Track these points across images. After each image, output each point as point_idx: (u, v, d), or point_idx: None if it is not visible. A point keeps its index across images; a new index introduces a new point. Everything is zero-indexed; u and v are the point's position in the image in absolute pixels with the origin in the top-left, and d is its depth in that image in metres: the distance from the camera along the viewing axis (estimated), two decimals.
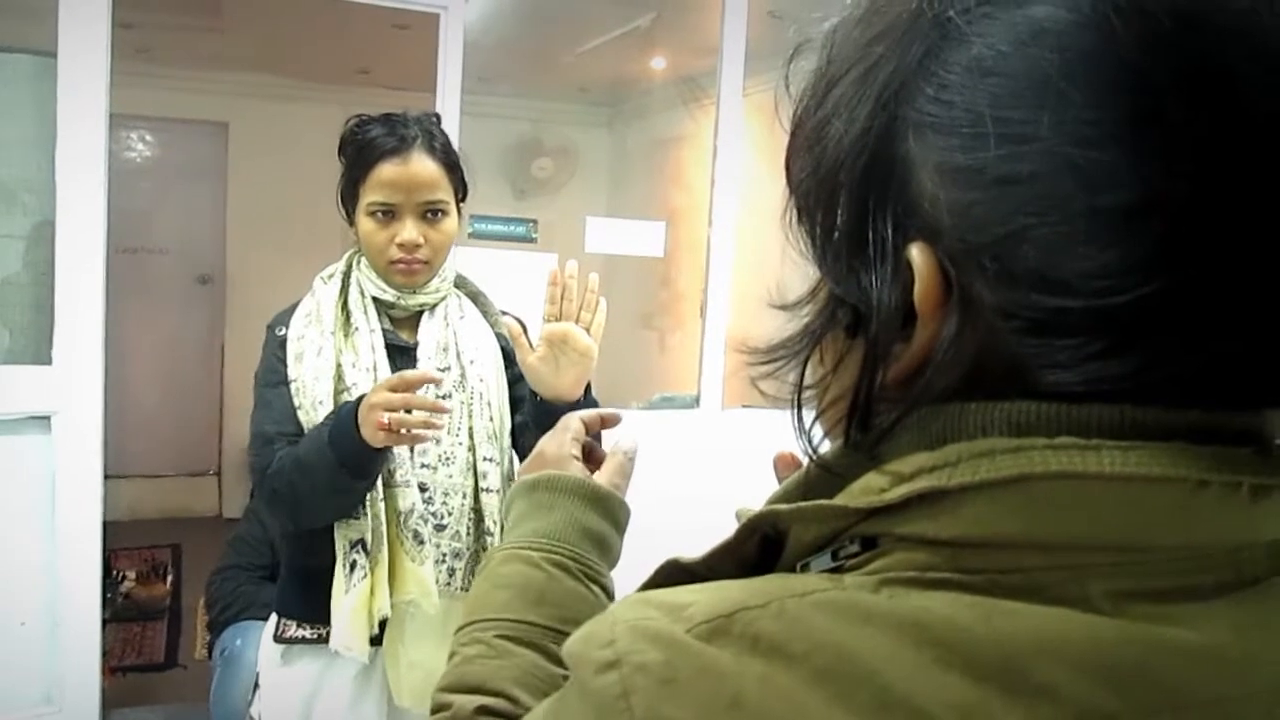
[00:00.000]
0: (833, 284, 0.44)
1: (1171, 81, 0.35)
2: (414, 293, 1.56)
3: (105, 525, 2.70)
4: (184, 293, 5.28)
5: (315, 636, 1.53)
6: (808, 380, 0.46)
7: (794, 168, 0.46)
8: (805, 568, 0.43)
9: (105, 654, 2.80)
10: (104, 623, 2.76)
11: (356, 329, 1.54)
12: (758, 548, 0.46)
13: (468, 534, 1.54)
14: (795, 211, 0.46)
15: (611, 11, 4.10)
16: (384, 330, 1.56)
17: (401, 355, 1.56)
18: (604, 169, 5.41)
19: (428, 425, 1.36)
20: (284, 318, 1.56)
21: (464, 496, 1.53)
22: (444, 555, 1.52)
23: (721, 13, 3.36)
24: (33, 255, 2.71)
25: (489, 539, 1.55)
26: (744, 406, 3.32)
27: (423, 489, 1.51)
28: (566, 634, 0.45)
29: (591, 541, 0.72)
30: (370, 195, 1.50)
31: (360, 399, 1.38)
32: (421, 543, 1.49)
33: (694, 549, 0.49)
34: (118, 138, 4.77)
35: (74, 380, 2.61)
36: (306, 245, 4.68)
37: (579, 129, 5.31)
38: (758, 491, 0.51)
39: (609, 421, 0.91)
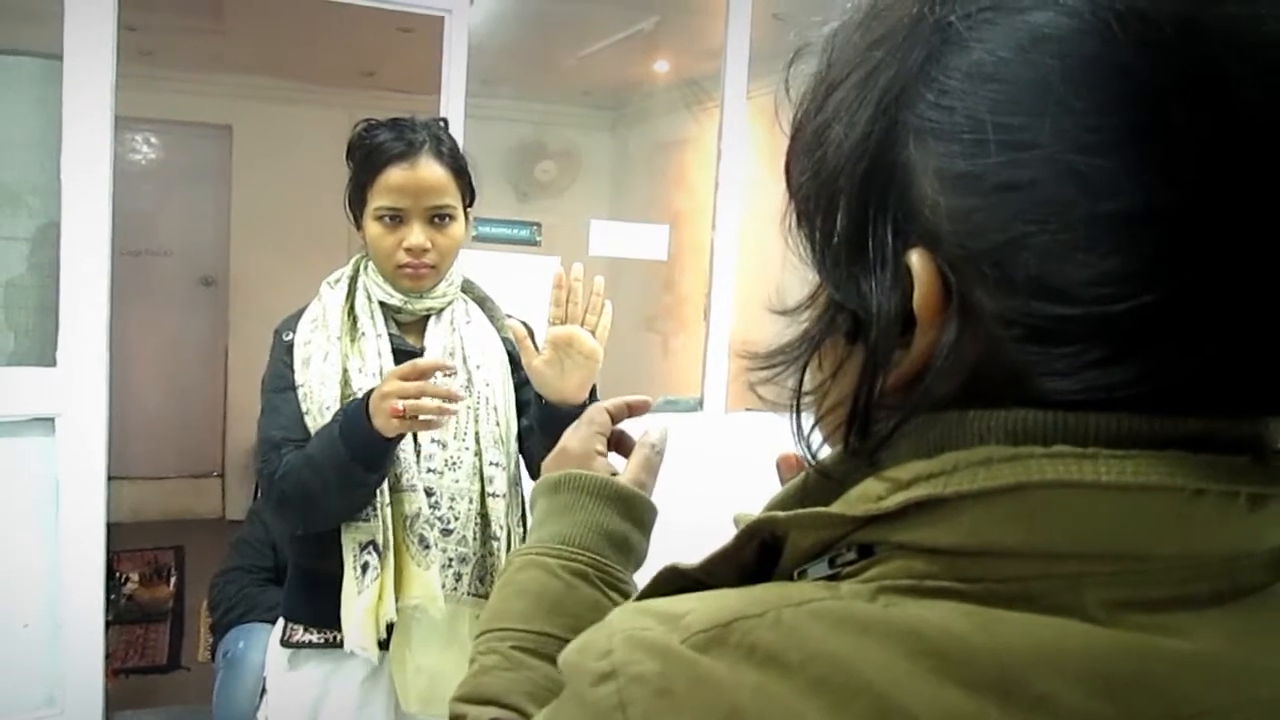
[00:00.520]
0: (832, 289, 0.44)
1: (1172, 88, 0.35)
2: (421, 297, 1.56)
3: (108, 527, 2.70)
4: (187, 295, 5.29)
5: (322, 641, 1.53)
6: (807, 386, 0.46)
7: (794, 172, 0.46)
8: (803, 574, 0.43)
9: (108, 656, 2.80)
10: (107, 624, 2.76)
11: (363, 334, 1.54)
12: (756, 554, 0.46)
13: (474, 539, 1.54)
14: (795, 216, 0.46)
15: (615, 15, 4.10)
16: (390, 335, 1.56)
17: (408, 360, 1.55)
18: (607, 172, 5.41)
19: (442, 411, 1.36)
20: (291, 323, 1.56)
21: (470, 501, 1.53)
22: (450, 560, 1.52)
23: (725, 16, 3.36)
24: (37, 257, 2.71)
25: (495, 544, 1.54)
26: (748, 410, 3.32)
27: (429, 494, 1.51)
28: None
29: (613, 545, 0.70)
30: (378, 200, 1.50)
31: (369, 393, 1.38)
32: (427, 547, 1.48)
33: (697, 552, 0.48)
34: (122, 140, 4.78)
35: (78, 382, 2.61)
36: (310, 247, 4.69)
37: (582, 132, 5.31)
38: (761, 494, 0.51)
39: (636, 409, 0.86)
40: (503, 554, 1.54)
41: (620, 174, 5.44)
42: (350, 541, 1.48)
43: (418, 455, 1.51)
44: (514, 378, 1.61)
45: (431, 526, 1.50)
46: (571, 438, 0.79)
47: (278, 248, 4.90)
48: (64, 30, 2.53)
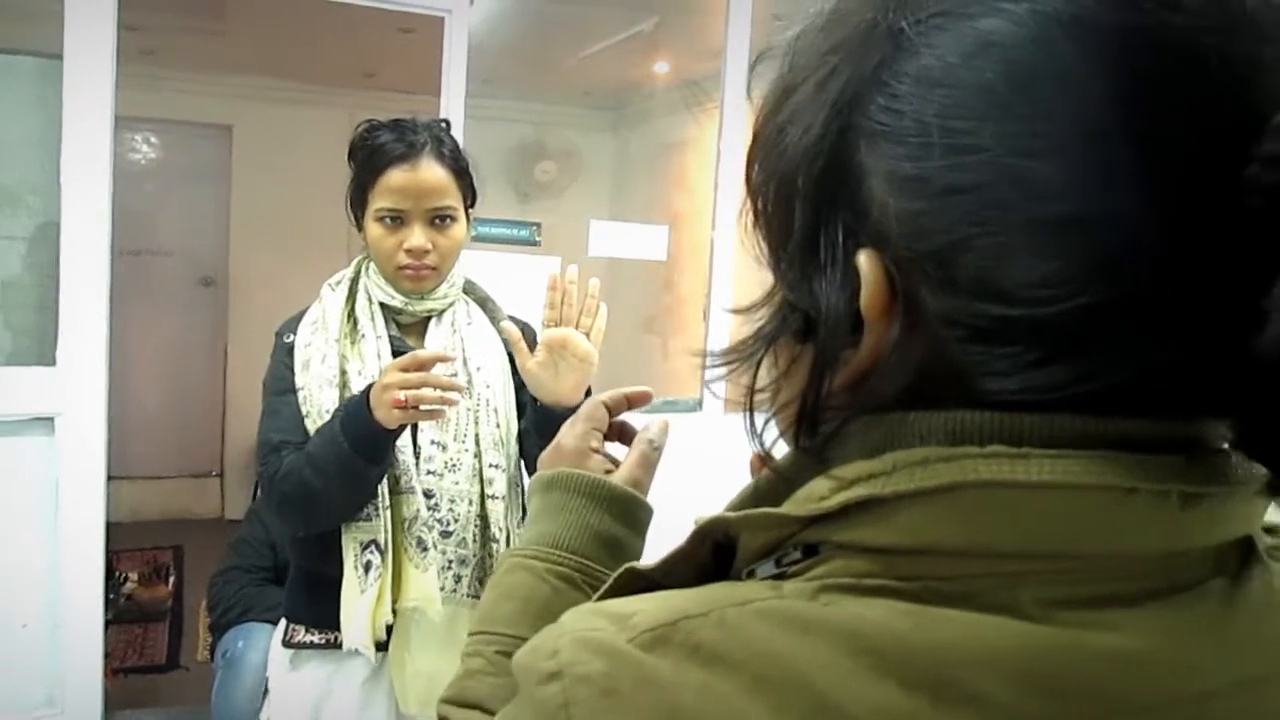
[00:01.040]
0: (785, 289, 0.45)
1: (1111, 97, 0.36)
2: (422, 299, 1.56)
3: (107, 526, 2.70)
4: (187, 295, 5.29)
5: (324, 642, 1.53)
6: (760, 384, 0.47)
7: (752, 172, 0.47)
8: (752, 574, 0.43)
9: (107, 655, 2.80)
10: (106, 624, 2.76)
11: (363, 336, 1.53)
12: (711, 554, 0.46)
13: (474, 541, 1.53)
14: (752, 216, 0.47)
15: (615, 15, 4.10)
16: (391, 337, 1.56)
17: None
18: (607, 173, 5.41)
19: (443, 401, 1.36)
20: (292, 325, 1.56)
21: (470, 503, 1.53)
22: (450, 562, 1.52)
23: (726, 17, 3.37)
24: (37, 257, 2.71)
25: (495, 545, 1.54)
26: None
27: (429, 495, 1.50)
28: None
29: (604, 547, 0.69)
30: (379, 201, 1.50)
31: (368, 387, 1.38)
32: (425, 550, 1.48)
33: None
34: (122, 140, 4.78)
35: (77, 382, 2.61)
36: (309, 248, 4.69)
37: (582, 132, 5.31)
38: None
39: (636, 400, 0.83)
40: None
41: (620, 175, 5.44)
42: (352, 541, 1.48)
43: (417, 457, 1.51)
44: (515, 379, 1.61)
45: (430, 529, 1.49)
46: (566, 434, 0.78)
47: (277, 248, 4.90)
48: (64, 30, 2.53)
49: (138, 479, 4.93)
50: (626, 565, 0.49)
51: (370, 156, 1.50)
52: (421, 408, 1.34)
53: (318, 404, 1.47)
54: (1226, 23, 0.36)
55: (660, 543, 0.77)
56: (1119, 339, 0.37)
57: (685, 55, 4.49)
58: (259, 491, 1.56)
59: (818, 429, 0.43)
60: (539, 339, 1.43)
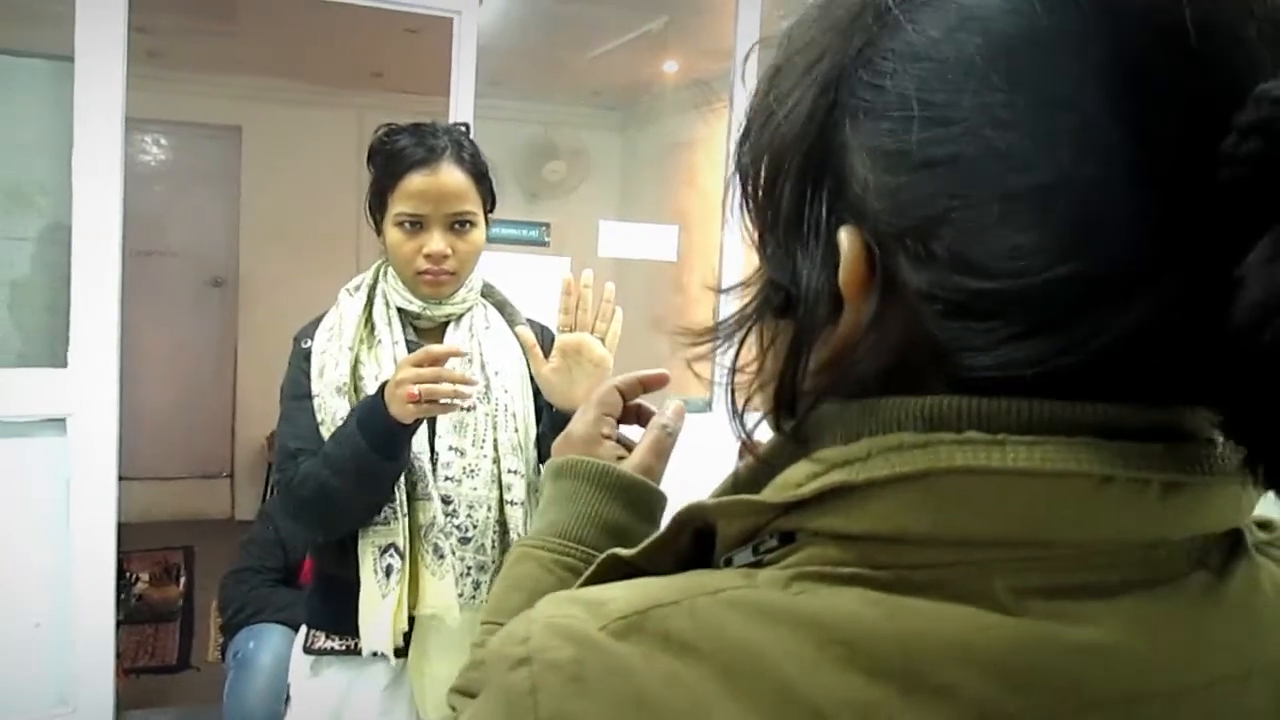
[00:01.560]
0: (769, 267, 0.45)
1: (1089, 67, 0.36)
2: (440, 303, 1.55)
3: (119, 527, 2.70)
4: (197, 295, 5.31)
5: (344, 648, 1.53)
6: (742, 364, 0.47)
7: (740, 152, 0.47)
8: (730, 562, 0.43)
9: (118, 656, 2.81)
10: (117, 624, 2.77)
11: (380, 341, 1.53)
12: (692, 541, 0.46)
13: (492, 547, 1.53)
14: (740, 196, 0.47)
15: (624, 15, 4.10)
16: (408, 341, 1.55)
17: None
18: (616, 172, 5.41)
19: (457, 395, 1.35)
20: (309, 330, 1.55)
21: (489, 509, 1.52)
22: (469, 568, 1.51)
23: (735, 16, 3.36)
24: (48, 258, 2.72)
25: None
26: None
27: (447, 501, 1.50)
28: None
29: (612, 536, 0.68)
30: (398, 206, 1.49)
31: (383, 386, 1.38)
32: (442, 556, 1.47)
33: None
34: (132, 141, 4.78)
35: (89, 383, 2.61)
36: (319, 248, 4.70)
37: (591, 132, 5.31)
38: None
39: (651, 384, 0.80)
40: None
41: (629, 174, 5.44)
42: (370, 545, 1.47)
43: (434, 463, 1.50)
44: (533, 384, 1.60)
45: (448, 535, 1.49)
46: (578, 421, 0.76)
47: (287, 248, 4.91)
48: (75, 32, 2.54)
49: (149, 480, 4.94)
50: (610, 551, 0.49)
51: (390, 161, 1.50)
52: (436, 401, 1.34)
53: (331, 411, 1.47)
54: None
55: None
56: (1094, 311, 0.36)
57: (694, 55, 4.48)
58: (271, 494, 1.56)
59: (795, 411, 0.43)
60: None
